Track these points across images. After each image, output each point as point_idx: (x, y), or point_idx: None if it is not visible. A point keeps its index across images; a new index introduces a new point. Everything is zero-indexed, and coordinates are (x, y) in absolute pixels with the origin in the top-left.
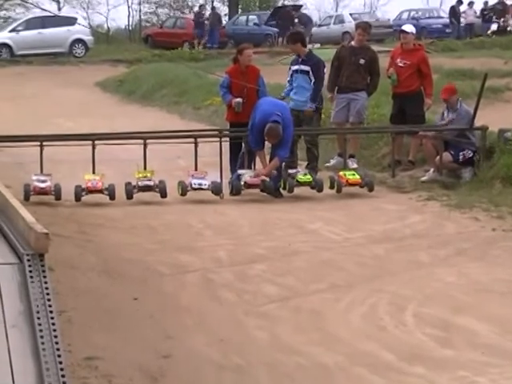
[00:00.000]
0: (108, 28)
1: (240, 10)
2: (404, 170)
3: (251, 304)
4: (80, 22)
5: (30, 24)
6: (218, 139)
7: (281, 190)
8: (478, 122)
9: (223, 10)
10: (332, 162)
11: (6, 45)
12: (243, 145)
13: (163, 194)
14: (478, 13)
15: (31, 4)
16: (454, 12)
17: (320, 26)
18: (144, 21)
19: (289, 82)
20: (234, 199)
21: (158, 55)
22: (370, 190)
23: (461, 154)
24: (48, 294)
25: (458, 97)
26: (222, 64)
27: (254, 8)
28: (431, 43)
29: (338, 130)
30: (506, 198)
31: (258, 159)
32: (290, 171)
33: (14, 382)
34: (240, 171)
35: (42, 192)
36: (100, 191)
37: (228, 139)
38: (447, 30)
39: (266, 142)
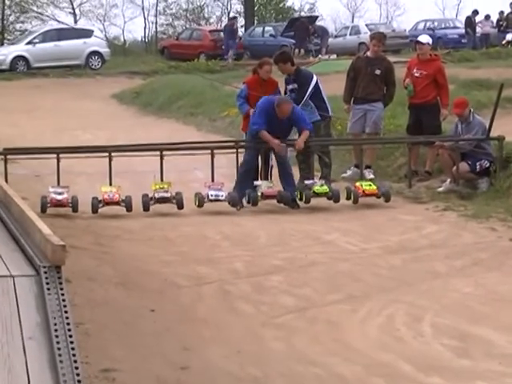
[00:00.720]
0: (124, 40)
1: (256, 22)
2: (420, 181)
3: (268, 315)
4: (96, 35)
5: (47, 36)
6: (235, 150)
7: (297, 200)
8: (494, 132)
9: (239, 21)
10: (348, 172)
11: (22, 57)
12: (259, 156)
13: (180, 206)
14: (494, 23)
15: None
16: (470, 22)
17: (336, 36)
18: (160, 33)
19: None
20: (251, 210)
21: (174, 67)
22: (387, 200)
23: (478, 164)
24: (65, 305)
25: (471, 109)
26: (238, 75)
27: (269, 19)
28: (447, 53)
29: (355, 141)
30: None
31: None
32: (307, 182)
33: None
34: (256, 182)
35: (59, 204)
36: (117, 203)
37: (244, 150)
38: (463, 41)
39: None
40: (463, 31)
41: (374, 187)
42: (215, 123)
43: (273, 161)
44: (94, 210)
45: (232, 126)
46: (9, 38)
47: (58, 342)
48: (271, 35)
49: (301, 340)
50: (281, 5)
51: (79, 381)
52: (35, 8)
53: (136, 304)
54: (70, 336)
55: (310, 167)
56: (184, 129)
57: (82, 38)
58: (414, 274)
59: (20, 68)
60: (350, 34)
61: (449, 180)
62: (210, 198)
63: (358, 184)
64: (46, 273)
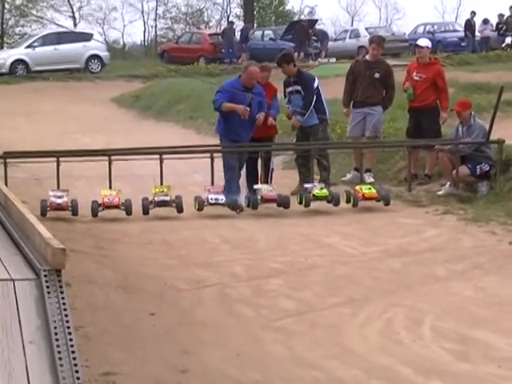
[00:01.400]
0: (124, 43)
1: (256, 25)
2: (420, 184)
3: (268, 319)
4: (96, 38)
5: (46, 40)
6: None
7: (297, 204)
8: (494, 136)
9: (239, 24)
10: (348, 176)
11: (22, 61)
12: (259, 160)
13: (180, 210)
14: (494, 26)
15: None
16: (470, 25)
17: (335, 40)
18: (160, 36)
19: (287, 103)
20: (251, 214)
21: (173, 70)
22: (386, 204)
23: (477, 167)
24: (65, 309)
25: (472, 112)
26: None
27: (269, 23)
28: (447, 57)
29: (355, 145)
30: None
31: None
32: (307, 186)
33: None
34: (256, 186)
35: (59, 208)
36: (116, 206)
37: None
38: (463, 44)
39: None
40: (463, 34)
41: (374, 191)
42: (214, 127)
43: (273, 164)
44: (94, 214)
45: None
46: (8, 41)
47: (58, 346)
48: (271, 39)
49: (300, 343)
50: (280, 8)
51: None
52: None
53: (136, 307)
54: (70, 339)
55: (310, 171)
56: (183, 132)
57: (81, 41)
58: (414, 278)
59: (19, 72)
60: (350, 38)
61: (448, 183)
62: (210, 201)
63: (357, 187)
64: (46, 276)
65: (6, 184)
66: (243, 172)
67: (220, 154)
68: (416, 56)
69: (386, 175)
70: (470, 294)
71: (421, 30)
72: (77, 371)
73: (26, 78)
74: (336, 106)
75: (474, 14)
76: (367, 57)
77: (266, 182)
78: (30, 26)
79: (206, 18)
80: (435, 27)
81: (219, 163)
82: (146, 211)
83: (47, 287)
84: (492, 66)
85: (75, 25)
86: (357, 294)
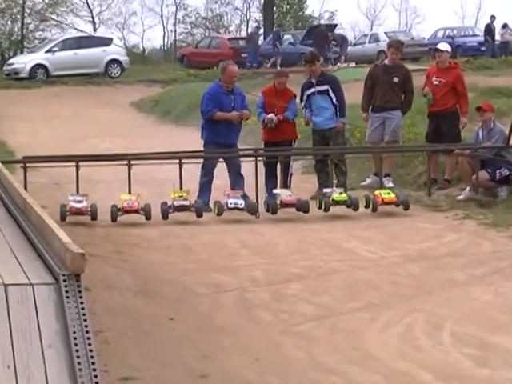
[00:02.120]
0: (143, 48)
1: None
2: (440, 189)
3: (287, 323)
4: (115, 43)
5: (66, 45)
6: (254, 159)
7: (317, 208)
8: None
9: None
10: (368, 181)
11: (41, 65)
12: (279, 164)
13: (199, 214)
14: None
15: (67, 25)
16: (489, 30)
17: (355, 44)
18: (179, 41)
19: (304, 106)
20: (270, 218)
21: (193, 75)
22: (406, 208)
23: (497, 172)
24: (84, 314)
25: (493, 116)
26: (256, 84)
27: (289, 27)
28: (466, 61)
29: (374, 149)
30: None
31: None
32: (326, 190)
33: None
34: (275, 190)
35: (78, 212)
36: (136, 211)
37: (263, 159)
38: (482, 49)
39: None
40: (482, 39)
41: (393, 195)
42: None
43: (292, 169)
44: (113, 219)
45: (252, 135)
46: (28, 46)
47: (77, 351)
48: (290, 43)
49: (320, 348)
50: (300, 13)
51: None
52: (55, 16)
53: (155, 312)
54: (89, 344)
55: (329, 175)
56: None
57: (101, 46)
58: (434, 283)
59: (39, 76)
60: (369, 42)
61: (468, 188)
62: (229, 206)
63: (376, 192)
64: (65, 281)
65: (26, 189)
66: (262, 177)
67: (242, 159)
68: (436, 60)
69: (405, 180)
70: (490, 299)
71: (440, 34)
72: (96, 376)
73: (46, 83)
74: (355, 110)
75: (493, 18)
76: (386, 61)
77: (285, 186)
78: (50, 31)
79: (225, 23)
80: (455, 32)
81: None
82: (165, 216)
83: (66, 292)
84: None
85: (95, 29)
86: (376, 299)
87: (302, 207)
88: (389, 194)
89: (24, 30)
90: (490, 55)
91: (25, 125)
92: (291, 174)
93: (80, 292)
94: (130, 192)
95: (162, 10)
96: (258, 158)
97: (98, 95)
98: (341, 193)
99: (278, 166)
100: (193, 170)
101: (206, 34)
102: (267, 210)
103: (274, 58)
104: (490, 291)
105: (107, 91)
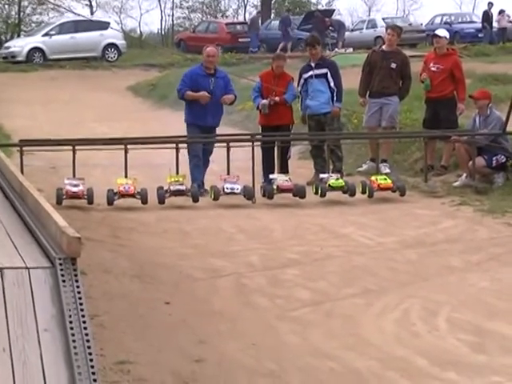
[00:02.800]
0: (141, 32)
1: (273, 15)
2: (436, 175)
3: (283, 308)
4: (113, 27)
5: (63, 28)
6: (251, 144)
7: (313, 194)
8: (511, 127)
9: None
10: (364, 166)
11: (38, 49)
12: (275, 149)
13: (195, 199)
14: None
15: (64, 8)
16: (487, 17)
17: (352, 30)
18: (177, 25)
19: (301, 90)
20: (266, 203)
21: (190, 59)
22: (402, 194)
23: (494, 158)
24: (80, 298)
25: (490, 103)
26: (253, 68)
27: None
28: (464, 48)
29: (371, 135)
30: None
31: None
32: (322, 176)
33: None
34: (272, 176)
35: (75, 196)
36: (132, 195)
37: (260, 144)
38: (480, 35)
39: None
40: (480, 26)
41: (389, 181)
42: (231, 116)
43: (291, 152)
44: (110, 203)
45: (248, 120)
46: (25, 29)
47: (73, 335)
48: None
49: (316, 334)
50: None
51: (94, 373)
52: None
53: (151, 296)
54: (85, 328)
55: (325, 161)
56: None
57: (98, 30)
58: (430, 269)
59: (36, 60)
60: (367, 28)
61: (465, 175)
62: (226, 190)
63: (373, 178)
64: (61, 265)
65: (22, 172)
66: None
67: (236, 144)
68: (434, 46)
69: (402, 166)
70: (487, 286)
71: (438, 20)
72: (91, 360)
73: (43, 66)
74: (352, 96)
75: (491, 4)
76: (384, 47)
77: (282, 171)
78: (48, 14)
79: (222, 8)
80: (452, 18)
81: (236, 153)
82: (161, 200)
83: (62, 276)
84: (509, 57)
85: (92, 13)
86: (373, 285)
87: (299, 193)
88: (385, 179)
89: (21, 14)
90: (487, 42)
91: (21, 108)
92: (289, 157)
93: (76, 276)
94: (126, 176)
95: None
96: (255, 143)
97: (94, 79)
98: (337, 178)
99: (276, 152)
100: None
101: (204, 19)
102: (263, 195)
103: (282, 43)
104: (487, 277)
105: (104, 75)
